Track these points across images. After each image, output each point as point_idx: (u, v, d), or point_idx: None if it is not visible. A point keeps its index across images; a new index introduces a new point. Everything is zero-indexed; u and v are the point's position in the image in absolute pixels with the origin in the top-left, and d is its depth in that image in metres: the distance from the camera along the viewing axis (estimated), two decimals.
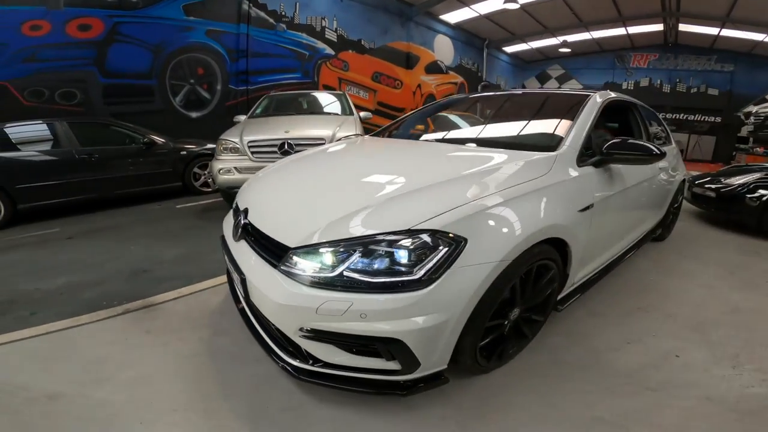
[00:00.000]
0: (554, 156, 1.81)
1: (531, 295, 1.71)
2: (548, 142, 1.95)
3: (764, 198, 3.99)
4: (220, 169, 4.26)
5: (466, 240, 1.32)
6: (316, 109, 5.68)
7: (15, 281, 2.83)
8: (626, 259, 2.78)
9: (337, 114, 5.30)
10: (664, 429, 1.51)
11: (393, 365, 1.34)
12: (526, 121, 2.43)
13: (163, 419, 1.49)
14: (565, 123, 2.08)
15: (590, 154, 1.99)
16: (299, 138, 4.23)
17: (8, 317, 2.29)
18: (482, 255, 1.34)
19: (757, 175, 4.23)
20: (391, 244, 1.28)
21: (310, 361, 1.42)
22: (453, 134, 2.67)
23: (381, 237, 1.30)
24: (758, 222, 4.06)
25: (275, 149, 4.19)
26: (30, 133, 4.80)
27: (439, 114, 3.12)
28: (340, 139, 4.20)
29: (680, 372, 1.85)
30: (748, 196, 4.09)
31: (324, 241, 1.34)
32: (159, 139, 5.60)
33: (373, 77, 10.95)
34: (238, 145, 4.29)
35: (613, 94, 2.53)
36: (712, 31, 12.93)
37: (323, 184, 1.83)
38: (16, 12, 5.87)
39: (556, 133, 2.04)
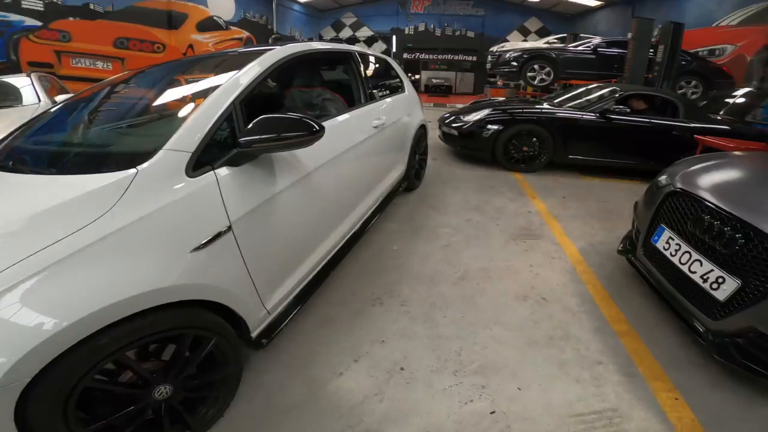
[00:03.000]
0: (130, 176, 1.10)
1: (160, 376, 1.16)
2: (139, 149, 1.21)
3: (492, 132, 4.50)
4: None
5: None
6: None
7: None
8: (368, 230, 2.54)
9: None
10: None
11: None
12: (151, 113, 1.72)
13: None
14: (186, 110, 1.45)
15: (230, 146, 1.37)
16: None
17: None
18: None
19: (486, 112, 4.71)
20: None
21: None
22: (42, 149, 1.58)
23: None
24: (491, 154, 4.63)
25: None
26: None
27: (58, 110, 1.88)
28: None
29: (402, 394, 1.49)
30: (481, 131, 4.55)
31: None
32: None
33: (117, 44, 8.74)
34: None
35: (297, 48, 1.93)
36: None
37: None
38: None
39: (157, 132, 1.38)
